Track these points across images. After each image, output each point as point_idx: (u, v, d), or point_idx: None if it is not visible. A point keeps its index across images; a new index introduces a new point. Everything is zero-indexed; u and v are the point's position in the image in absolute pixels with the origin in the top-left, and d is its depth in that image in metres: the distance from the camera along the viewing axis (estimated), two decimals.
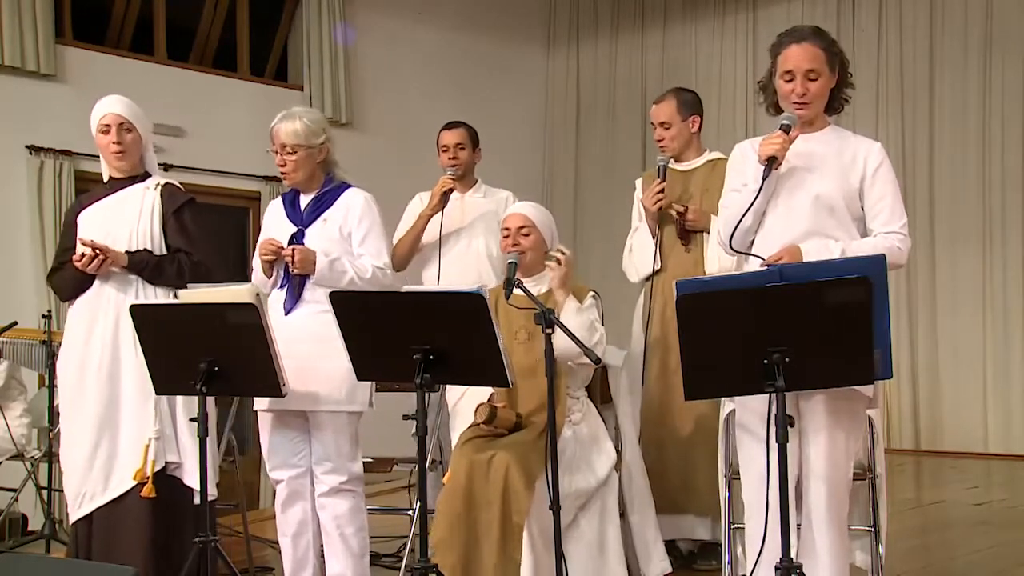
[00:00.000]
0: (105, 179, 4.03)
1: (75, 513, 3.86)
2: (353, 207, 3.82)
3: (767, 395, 2.75)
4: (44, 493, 5.26)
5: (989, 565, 4.66)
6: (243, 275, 4.00)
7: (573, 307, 3.82)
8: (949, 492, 6.93)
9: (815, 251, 3.07)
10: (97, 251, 3.76)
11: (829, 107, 3.27)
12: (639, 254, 4.64)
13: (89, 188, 4.26)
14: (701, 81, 9.14)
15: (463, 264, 4.73)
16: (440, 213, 4.70)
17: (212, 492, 3.87)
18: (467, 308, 3.06)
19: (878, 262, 2.84)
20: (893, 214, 3.18)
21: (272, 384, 3.36)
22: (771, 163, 3.09)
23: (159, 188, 3.95)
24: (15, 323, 5.11)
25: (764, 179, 3.09)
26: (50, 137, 7.13)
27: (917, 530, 5.43)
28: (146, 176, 4.00)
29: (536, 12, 10.40)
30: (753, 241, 3.23)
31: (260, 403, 3.80)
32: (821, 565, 3.00)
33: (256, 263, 3.86)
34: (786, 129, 3.12)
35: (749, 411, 3.09)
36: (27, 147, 7.08)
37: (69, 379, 3.91)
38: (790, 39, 3.20)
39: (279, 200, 3.96)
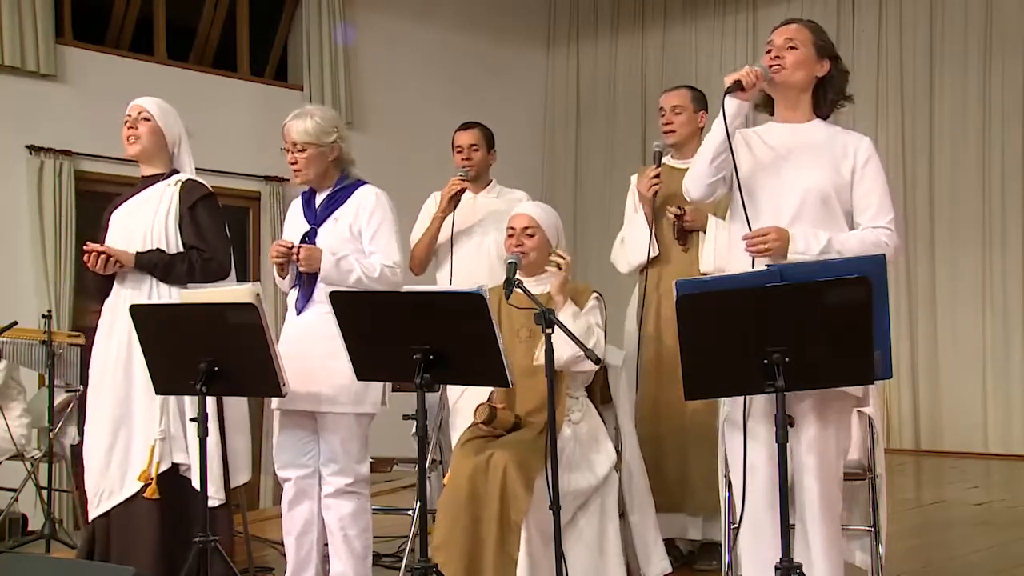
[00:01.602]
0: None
1: (93, 511, 3.89)
2: (364, 205, 3.81)
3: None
4: (44, 493, 5.27)
5: (989, 565, 4.66)
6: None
7: (570, 312, 3.83)
8: (949, 492, 6.93)
9: (802, 237, 3.07)
10: (101, 253, 3.80)
11: (816, 105, 3.25)
12: (632, 244, 4.62)
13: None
14: (701, 81, 9.08)
15: (474, 264, 4.72)
16: (452, 214, 4.71)
17: (219, 496, 3.87)
18: (467, 308, 3.06)
19: (878, 262, 2.84)
20: (881, 210, 3.16)
21: (272, 384, 3.35)
22: (735, 87, 3.08)
23: (179, 184, 3.97)
24: (15, 323, 5.11)
25: (724, 99, 3.08)
26: (50, 137, 7.13)
27: (917, 530, 5.43)
28: (172, 174, 4.01)
29: (536, 12, 10.40)
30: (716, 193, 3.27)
31: (274, 401, 3.81)
32: (816, 563, 3.00)
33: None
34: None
35: (738, 406, 3.10)
36: (27, 147, 7.08)
37: (93, 378, 3.97)
38: (779, 24, 3.26)
39: (299, 199, 3.96)
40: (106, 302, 3.98)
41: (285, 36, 8.88)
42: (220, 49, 8.48)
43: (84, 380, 4.34)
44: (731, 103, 3.12)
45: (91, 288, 4.07)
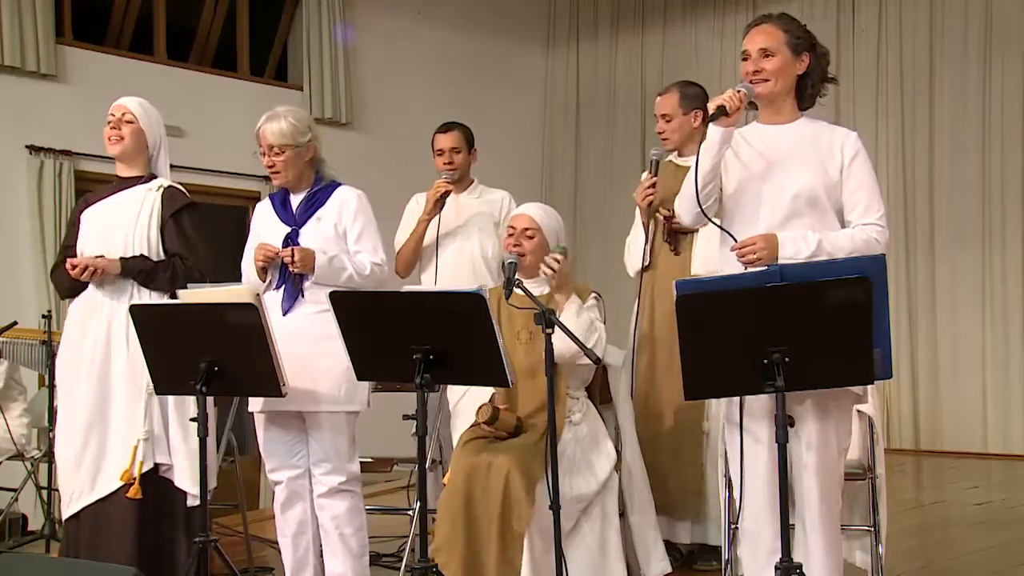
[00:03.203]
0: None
1: (66, 511, 3.88)
2: (347, 205, 3.81)
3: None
4: (44, 493, 5.26)
5: (989, 565, 4.66)
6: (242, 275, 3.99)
7: (574, 308, 3.82)
8: (949, 492, 6.93)
9: (791, 241, 3.05)
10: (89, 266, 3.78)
11: (800, 99, 3.22)
12: (632, 249, 4.63)
13: (90, 188, 4.27)
14: (701, 81, 9.07)
15: (458, 265, 4.73)
16: (437, 216, 4.70)
17: (195, 491, 3.82)
18: (467, 308, 3.06)
19: (878, 262, 2.84)
20: (870, 205, 3.13)
21: (272, 384, 3.35)
22: (719, 112, 3.04)
23: (160, 190, 3.95)
24: (15, 323, 5.11)
25: (706, 125, 3.06)
26: (50, 137, 7.14)
27: (917, 530, 5.43)
28: (152, 178, 4.00)
29: (536, 12, 10.40)
30: (711, 216, 3.19)
31: (255, 404, 3.79)
32: (814, 562, 3.00)
33: (247, 266, 3.84)
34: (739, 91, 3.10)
35: (735, 404, 3.09)
36: (27, 147, 7.08)
37: (65, 377, 3.93)
38: (752, 24, 3.22)
39: (267, 202, 3.93)
40: (78, 299, 3.92)
41: (285, 36, 8.88)
42: (220, 49, 8.47)
43: None
44: (714, 131, 3.07)
45: (62, 282, 3.96)
